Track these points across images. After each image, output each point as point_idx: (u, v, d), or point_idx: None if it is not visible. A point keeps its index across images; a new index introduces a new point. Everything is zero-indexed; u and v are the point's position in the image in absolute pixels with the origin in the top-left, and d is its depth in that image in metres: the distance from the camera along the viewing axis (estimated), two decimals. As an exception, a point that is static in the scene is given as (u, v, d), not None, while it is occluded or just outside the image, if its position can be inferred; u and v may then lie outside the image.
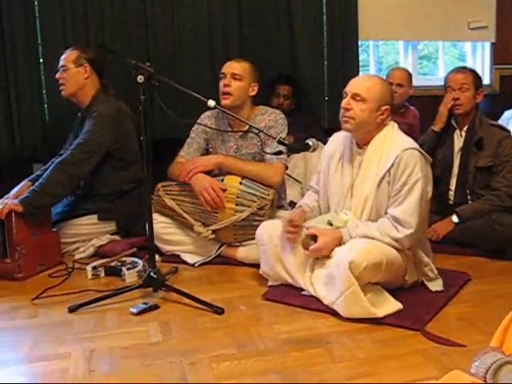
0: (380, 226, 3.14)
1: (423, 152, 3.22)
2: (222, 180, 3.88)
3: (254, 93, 4.06)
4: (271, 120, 3.99)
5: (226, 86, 3.95)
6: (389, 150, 3.19)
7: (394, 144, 3.21)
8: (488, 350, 1.76)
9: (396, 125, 3.36)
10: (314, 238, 3.21)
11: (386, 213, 3.18)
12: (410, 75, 5.36)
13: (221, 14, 5.32)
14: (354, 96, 3.20)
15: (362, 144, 3.31)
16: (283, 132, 3.94)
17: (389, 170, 3.14)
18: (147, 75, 3.17)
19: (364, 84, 3.24)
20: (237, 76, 3.96)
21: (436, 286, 3.34)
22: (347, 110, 3.21)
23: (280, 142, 3.36)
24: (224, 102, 3.92)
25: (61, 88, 4.27)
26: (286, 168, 4.04)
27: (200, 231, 3.88)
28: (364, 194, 3.23)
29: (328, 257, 3.19)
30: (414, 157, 3.12)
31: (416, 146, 3.21)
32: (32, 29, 4.85)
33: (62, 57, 4.26)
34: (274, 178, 3.90)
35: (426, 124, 4.65)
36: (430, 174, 3.29)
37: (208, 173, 3.93)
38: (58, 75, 4.26)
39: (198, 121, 4.14)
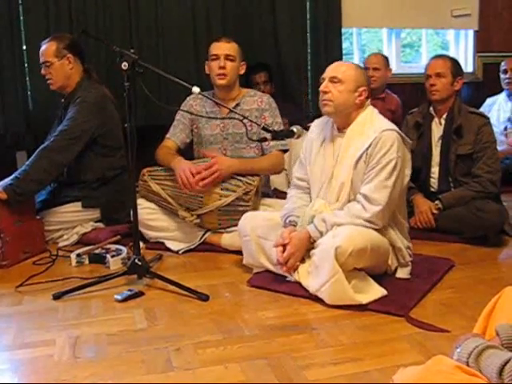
0: (347, 212, 3.15)
1: (402, 134, 3.23)
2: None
3: (242, 71, 4.16)
4: (264, 102, 4.07)
5: (221, 67, 4.00)
6: (368, 132, 3.21)
7: (373, 126, 3.22)
8: (469, 336, 1.77)
9: (376, 109, 3.37)
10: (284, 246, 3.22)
11: (359, 193, 3.19)
12: (386, 59, 5.48)
13: (204, 3, 5.32)
14: (332, 79, 3.25)
15: (342, 127, 3.33)
16: (278, 115, 4.06)
17: (366, 150, 3.16)
18: (131, 62, 3.15)
19: (340, 67, 3.30)
20: (230, 57, 4.02)
21: (401, 273, 3.34)
22: (325, 93, 3.26)
23: (264, 129, 3.36)
24: (220, 82, 4.01)
25: (48, 82, 4.24)
26: (285, 151, 4.13)
27: (185, 215, 3.88)
28: (341, 180, 3.24)
29: (312, 247, 3.19)
30: (391, 137, 3.13)
31: (395, 128, 3.22)
32: (15, 17, 4.81)
33: (42, 51, 4.20)
34: (281, 166, 4.10)
35: (407, 111, 4.65)
36: (408, 157, 3.29)
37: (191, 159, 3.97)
38: (43, 71, 4.22)
39: (184, 103, 4.20)
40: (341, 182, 3.24)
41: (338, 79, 3.23)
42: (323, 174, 3.33)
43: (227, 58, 4.01)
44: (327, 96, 3.25)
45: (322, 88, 3.27)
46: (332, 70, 3.30)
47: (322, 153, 3.37)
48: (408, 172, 3.28)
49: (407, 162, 3.28)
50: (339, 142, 3.31)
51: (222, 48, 4.04)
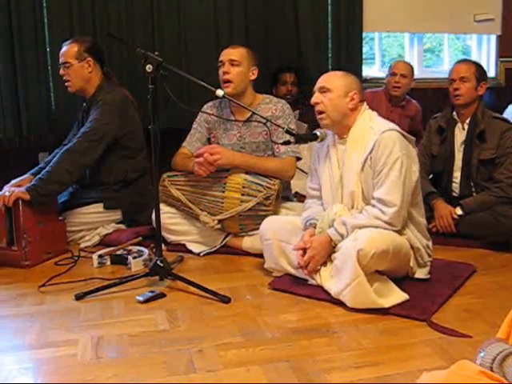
0: (366, 214, 3.14)
1: (403, 132, 3.23)
2: (228, 170, 3.89)
3: (254, 77, 4.06)
4: (278, 109, 4.00)
5: (225, 73, 3.95)
6: (369, 136, 3.21)
7: (373, 129, 3.23)
8: (493, 341, 1.76)
9: (375, 112, 3.37)
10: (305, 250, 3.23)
11: (372, 198, 3.18)
12: (412, 68, 5.44)
13: (226, 6, 5.34)
14: (320, 90, 3.30)
15: (342, 134, 3.34)
16: (291, 122, 3.95)
17: (369, 154, 3.17)
18: (156, 64, 3.17)
19: (327, 77, 3.35)
20: (235, 62, 3.95)
21: (420, 273, 3.33)
22: (317, 103, 3.29)
23: (288, 132, 3.37)
24: (226, 90, 3.88)
25: (66, 84, 4.25)
26: (299, 159, 4.05)
27: (206, 221, 3.89)
28: (350, 188, 3.24)
29: (333, 251, 3.19)
30: (392, 137, 3.14)
31: (395, 127, 3.22)
32: (39, 19, 4.85)
33: (62, 52, 4.22)
34: (290, 172, 3.98)
35: (429, 116, 4.65)
36: (413, 154, 3.28)
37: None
38: (61, 72, 4.23)
39: (201, 110, 4.16)
40: (351, 190, 3.24)
41: (327, 88, 3.27)
42: (333, 184, 3.35)
43: (231, 63, 3.95)
44: (318, 107, 3.29)
45: (312, 100, 3.32)
46: (320, 81, 3.34)
47: (328, 162, 3.39)
48: (415, 168, 3.26)
49: (414, 159, 3.27)
50: (342, 149, 3.33)
51: (227, 54, 4.00)
